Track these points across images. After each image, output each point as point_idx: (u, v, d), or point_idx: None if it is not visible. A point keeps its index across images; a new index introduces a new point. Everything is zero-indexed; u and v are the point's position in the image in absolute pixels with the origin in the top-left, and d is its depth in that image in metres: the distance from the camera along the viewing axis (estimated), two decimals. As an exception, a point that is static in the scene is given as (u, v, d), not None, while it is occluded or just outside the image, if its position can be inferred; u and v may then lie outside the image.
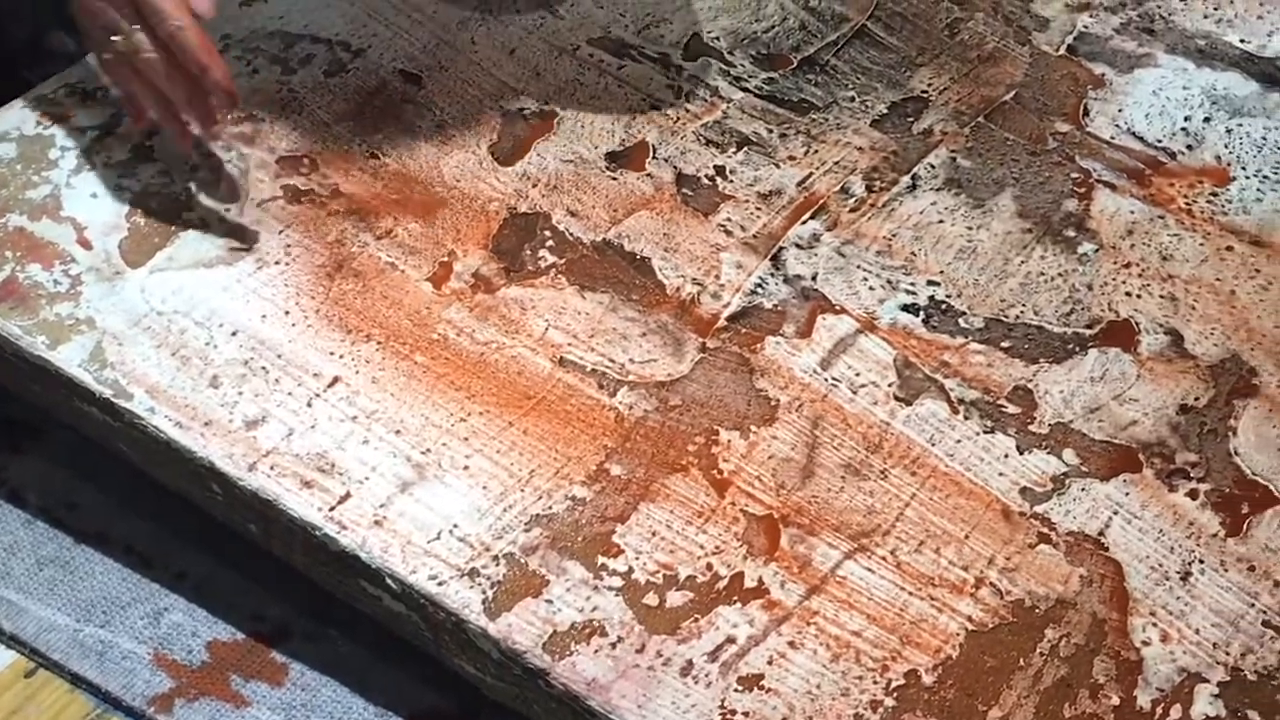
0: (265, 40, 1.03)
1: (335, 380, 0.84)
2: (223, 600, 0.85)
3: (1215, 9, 1.14)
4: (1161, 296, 0.94)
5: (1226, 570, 0.81)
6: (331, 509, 0.78)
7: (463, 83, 1.04)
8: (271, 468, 0.80)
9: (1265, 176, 1.02)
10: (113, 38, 0.83)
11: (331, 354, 0.85)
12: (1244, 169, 1.02)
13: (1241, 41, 1.12)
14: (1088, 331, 0.92)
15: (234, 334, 0.85)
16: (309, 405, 0.83)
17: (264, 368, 0.84)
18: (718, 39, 1.10)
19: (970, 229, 0.97)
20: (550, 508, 0.80)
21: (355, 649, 0.83)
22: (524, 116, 1.02)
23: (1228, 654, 0.78)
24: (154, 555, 0.87)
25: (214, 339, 0.85)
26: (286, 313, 0.87)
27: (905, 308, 0.92)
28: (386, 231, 0.93)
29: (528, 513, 0.80)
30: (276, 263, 0.90)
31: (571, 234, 0.94)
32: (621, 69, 1.06)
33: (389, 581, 0.77)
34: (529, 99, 1.03)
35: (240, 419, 0.82)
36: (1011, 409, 0.87)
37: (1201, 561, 0.81)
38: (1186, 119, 1.06)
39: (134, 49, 0.83)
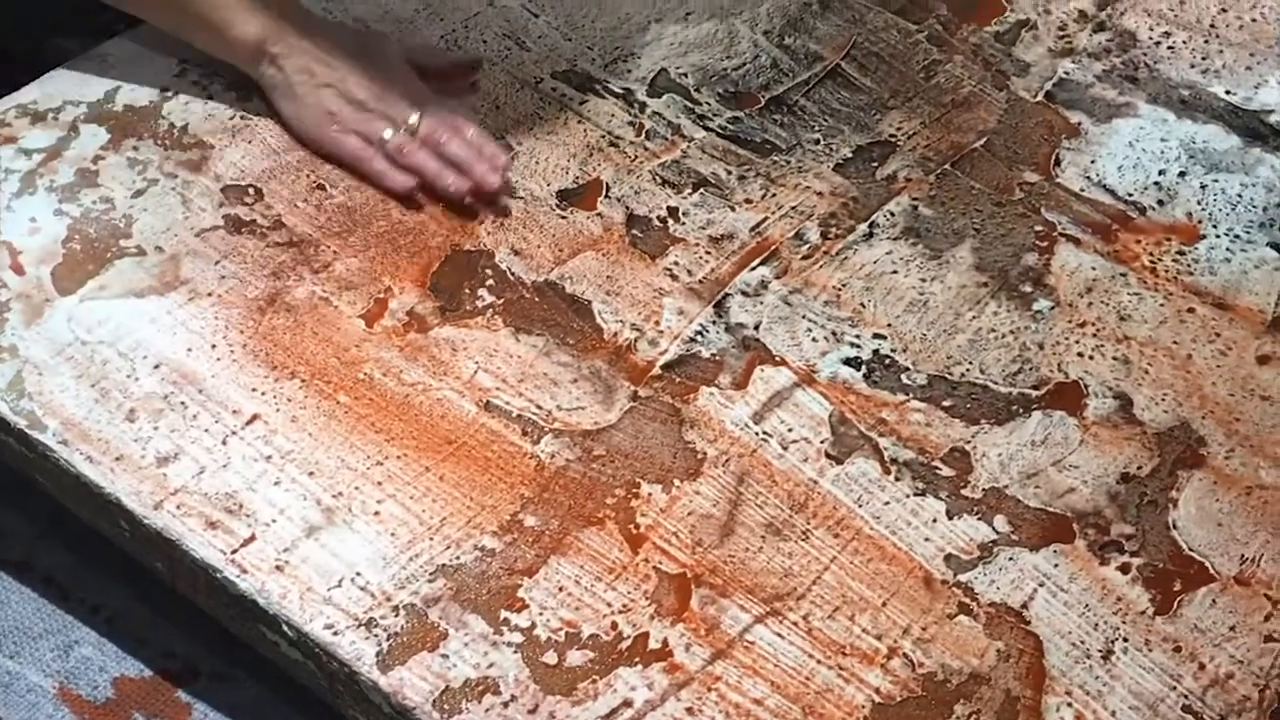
0: (226, 66, 1.02)
1: (254, 418, 0.83)
2: (135, 635, 0.84)
3: (1203, 58, 1.11)
4: (1114, 358, 0.91)
5: (1151, 650, 0.78)
6: (234, 551, 0.77)
7: (419, 113, 1.02)
8: (178, 506, 0.79)
9: (1237, 236, 0.99)
10: (385, 133, 0.96)
11: (254, 391, 0.84)
12: (1215, 227, 1.00)
13: (1227, 93, 1.09)
14: (1034, 392, 0.90)
15: (156, 367, 0.84)
16: (224, 443, 0.82)
17: (183, 403, 0.83)
18: (686, 75, 1.08)
19: (924, 281, 0.95)
20: (458, 558, 0.79)
21: (261, 692, 0.82)
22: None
23: (1142, 739, 0.75)
24: (72, 587, 0.86)
25: (136, 371, 0.84)
26: (213, 346, 0.86)
27: (847, 361, 0.90)
28: (325, 265, 0.92)
29: (434, 562, 0.78)
30: (209, 294, 0.89)
31: (513, 273, 0.93)
32: (584, 103, 1.05)
33: (285, 628, 0.76)
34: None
35: (153, 455, 0.81)
36: (946, 471, 0.85)
37: (1125, 640, 0.79)
38: (1161, 173, 1.03)
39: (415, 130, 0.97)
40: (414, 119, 0.96)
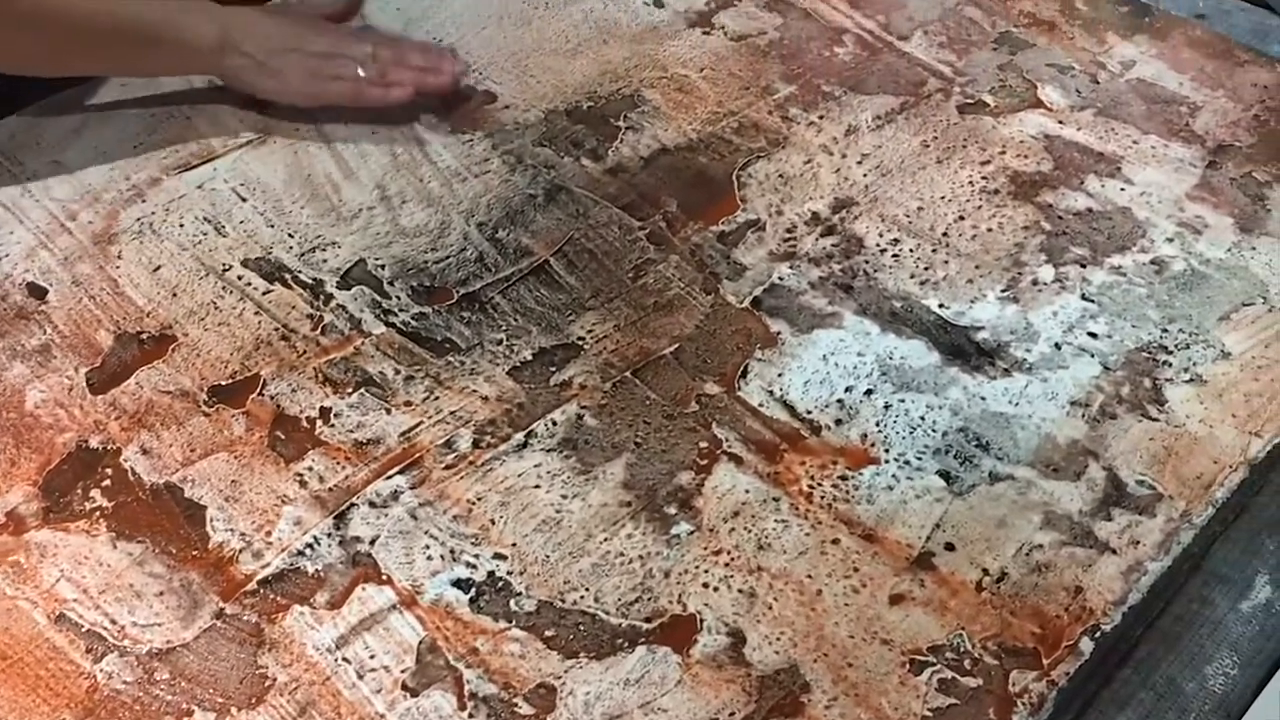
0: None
1: None
2: None
3: (926, 268, 1.09)
4: (740, 591, 0.87)
5: None
6: None
7: (89, 300, 1.01)
8: None
9: (907, 462, 0.95)
10: (359, 70, 1.15)
11: None
12: (888, 451, 0.96)
13: (940, 306, 1.06)
14: (646, 625, 0.86)
15: None
16: None
17: None
18: (383, 267, 1.06)
19: (564, 498, 0.92)
20: (-29, 786, 0.75)
21: None
22: (140, 341, 0.99)
23: None
24: None
25: None
26: None
27: (457, 583, 0.87)
28: (-63, 459, 0.89)
29: (-57, 790, 0.75)
30: None
31: (135, 474, 0.91)
32: (267, 294, 1.03)
33: None
34: (153, 322, 1.00)
35: None
36: (525, 709, 0.81)
37: None
38: (848, 390, 1.00)
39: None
40: (370, 49, 1.15)
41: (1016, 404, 0.99)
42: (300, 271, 1.05)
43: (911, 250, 1.11)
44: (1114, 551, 0.91)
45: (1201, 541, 0.94)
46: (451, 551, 0.89)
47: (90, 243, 1.05)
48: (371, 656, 0.83)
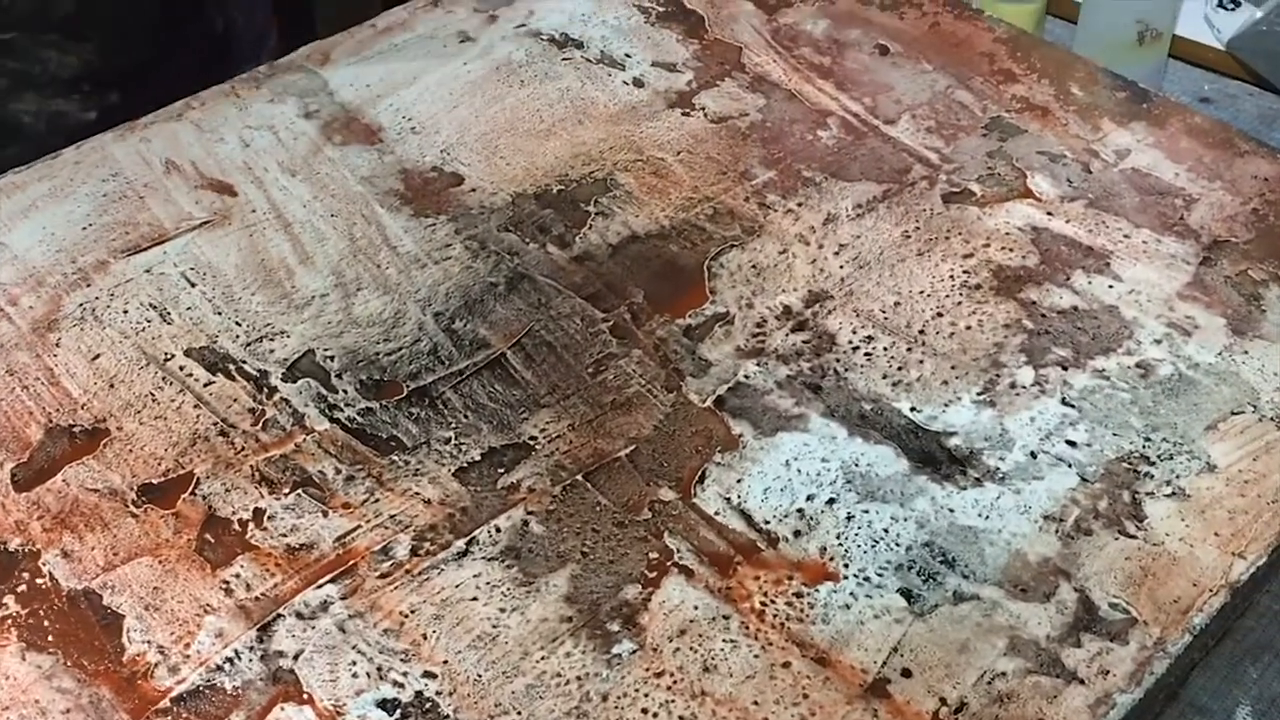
0: None
1: None
2: None
3: (899, 368, 1.04)
4: (681, 718, 0.82)
5: None
6: None
7: (22, 391, 0.97)
8: None
9: (867, 578, 0.90)
10: None
11: None
12: (848, 566, 0.91)
13: (912, 410, 1.00)
14: (577, 754, 0.80)
15: None
16: None
17: None
18: (332, 358, 1.02)
19: (503, 611, 0.87)
20: None
21: None
22: (71, 434, 0.95)
23: None
24: None
25: None
26: None
27: (382, 704, 0.82)
28: None
29: None
30: None
31: (53, 579, 0.86)
32: (208, 385, 0.99)
33: None
34: (87, 414, 0.96)
35: None
36: (443, 846, 0.76)
37: None
38: (809, 499, 0.94)
39: None
40: None
41: (986, 517, 0.94)
42: (245, 362, 1.01)
43: (885, 349, 1.06)
44: (1082, 682, 0.85)
45: (1179, 670, 0.88)
46: (379, 669, 0.84)
47: (29, 330, 1.01)
48: (284, 784, 0.78)
